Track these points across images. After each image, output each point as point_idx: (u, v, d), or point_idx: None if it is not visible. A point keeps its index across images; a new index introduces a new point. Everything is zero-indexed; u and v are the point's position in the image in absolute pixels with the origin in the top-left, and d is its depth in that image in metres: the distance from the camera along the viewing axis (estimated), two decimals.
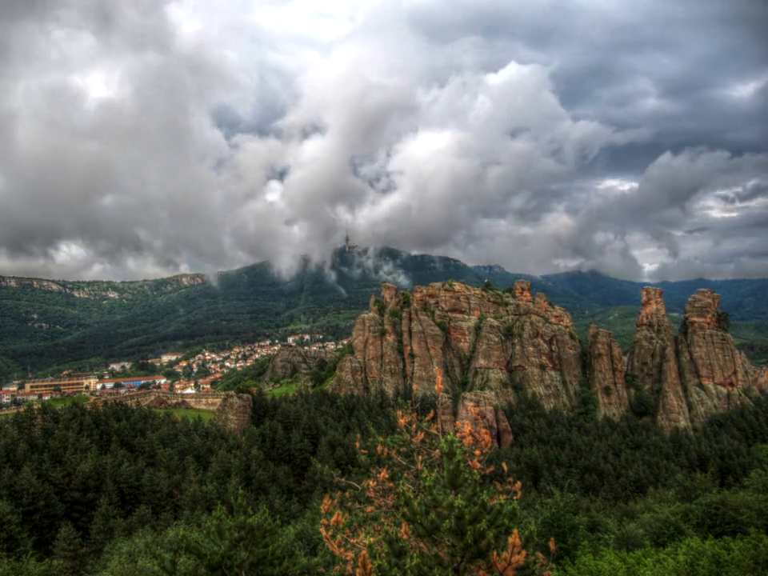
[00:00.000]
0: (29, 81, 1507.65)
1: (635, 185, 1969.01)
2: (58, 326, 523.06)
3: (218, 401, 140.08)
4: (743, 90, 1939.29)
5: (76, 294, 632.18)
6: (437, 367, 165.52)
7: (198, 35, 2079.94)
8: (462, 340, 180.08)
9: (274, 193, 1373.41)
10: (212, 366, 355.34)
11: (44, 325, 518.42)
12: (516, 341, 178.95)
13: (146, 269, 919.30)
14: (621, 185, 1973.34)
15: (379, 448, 14.67)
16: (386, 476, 14.19)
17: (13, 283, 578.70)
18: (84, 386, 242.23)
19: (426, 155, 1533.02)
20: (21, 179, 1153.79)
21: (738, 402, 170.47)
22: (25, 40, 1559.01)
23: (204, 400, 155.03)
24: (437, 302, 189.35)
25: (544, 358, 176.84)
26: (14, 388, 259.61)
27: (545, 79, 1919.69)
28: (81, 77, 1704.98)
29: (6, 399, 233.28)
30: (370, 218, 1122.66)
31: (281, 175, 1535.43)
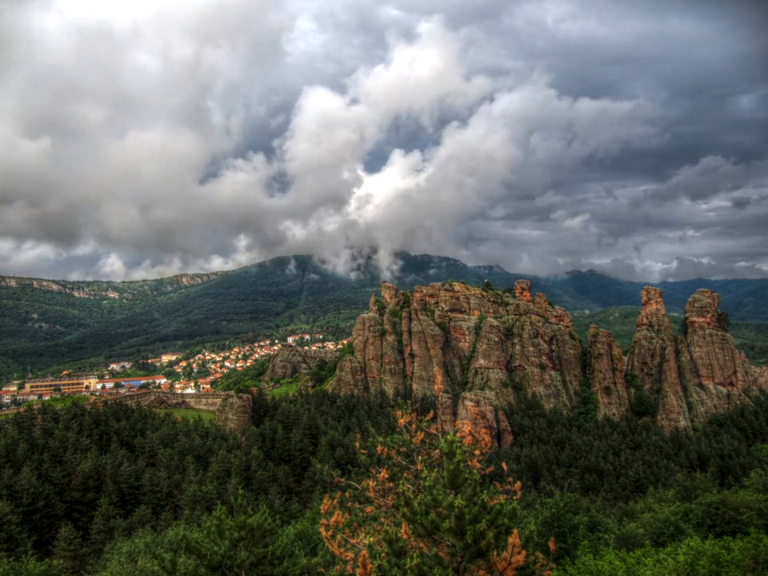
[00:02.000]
0: None
1: (639, 188, 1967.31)
2: (57, 326, 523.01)
3: (218, 401, 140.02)
4: (748, 99, 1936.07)
5: (76, 293, 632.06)
6: (437, 367, 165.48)
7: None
8: (462, 340, 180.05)
9: (276, 193, 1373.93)
10: (212, 366, 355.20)
11: (44, 325, 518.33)
12: (516, 341, 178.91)
13: (145, 268, 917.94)
14: (624, 187, 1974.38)
15: (379, 448, 14.66)
16: (386, 476, 14.18)
17: (13, 283, 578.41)
18: (84, 386, 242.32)
19: (433, 157, 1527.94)
20: None
21: (738, 402, 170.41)
22: None
23: (204, 400, 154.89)
24: (437, 302, 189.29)
25: (544, 358, 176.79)
26: (14, 388, 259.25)
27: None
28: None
29: (6, 399, 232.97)
30: (371, 218, 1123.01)
31: (282, 174, 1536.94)
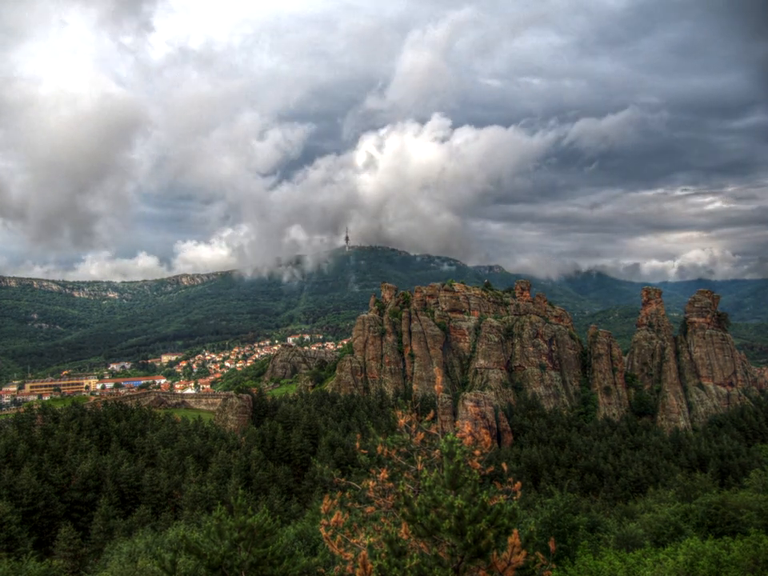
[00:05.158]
0: None
1: (641, 190, 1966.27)
2: (57, 326, 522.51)
3: (218, 401, 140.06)
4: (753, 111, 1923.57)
5: (76, 294, 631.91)
6: (437, 367, 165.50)
7: None
8: (462, 340, 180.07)
9: (276, 193, 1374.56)
10: (212, 366, 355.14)
11: (44, 325, 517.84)
12: (516, 341, 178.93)
13: (146, 268, 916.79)
14: (626, 189, 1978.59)
15: (379, 448, 14.65)
16: (386, 476, 14.17)
17: (13, 283, 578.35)
18: (84, 386, 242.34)
19: (432, 155, 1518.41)
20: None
21: (738, 402, 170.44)
22: None
23: (204, 400, 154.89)
24: (437, 302, 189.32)
25: (544, 358, 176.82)
26: (14, 388, 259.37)
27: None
28: None
29: (6, 399, 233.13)
30: (370, 217, 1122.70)
31: (282, 174, 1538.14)
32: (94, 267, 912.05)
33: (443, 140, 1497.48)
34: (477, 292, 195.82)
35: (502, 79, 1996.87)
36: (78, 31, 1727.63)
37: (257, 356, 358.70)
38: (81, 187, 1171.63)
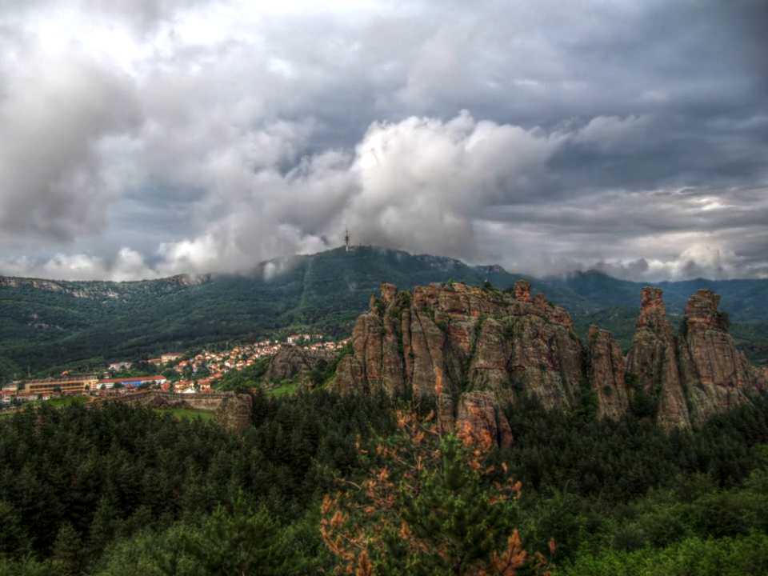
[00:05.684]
0: None
1: (641, 190, 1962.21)
2: (57, 326, 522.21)
3: (218, 401, 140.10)
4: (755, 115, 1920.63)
5: (76, 294, 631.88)
6: (437, 367, 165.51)
7: None
8: (462, 340, 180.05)
9: (275, 193, 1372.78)
10: (212, 366, 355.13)
11: (44, 325, 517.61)
12: (516, 341, 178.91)
13: (148, 267, 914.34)
14: (626, 189, 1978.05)
15: (379, 448, 14.64)
16: (386, 476, 14.17)
17: (13, 283, 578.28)
18: (84, 386, 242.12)
19: (433, 153, 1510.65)
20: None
21: (738, 402, 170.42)
22: None
23: (204, 400, 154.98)
24: (437, 302, 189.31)
25: (544, 358, 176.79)
26: (14, 388, 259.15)
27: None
28: None
29: (6, 399, 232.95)
30: (370, 217, 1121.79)
31: (282, 172, 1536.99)
32: (78, 262, 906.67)
33: (446, 140, 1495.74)
34: (477, 292, 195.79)
35: (503, 81, 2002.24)
36: (73, 23, 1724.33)
37: (257, 356, 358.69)
38: (58, 177, 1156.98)
